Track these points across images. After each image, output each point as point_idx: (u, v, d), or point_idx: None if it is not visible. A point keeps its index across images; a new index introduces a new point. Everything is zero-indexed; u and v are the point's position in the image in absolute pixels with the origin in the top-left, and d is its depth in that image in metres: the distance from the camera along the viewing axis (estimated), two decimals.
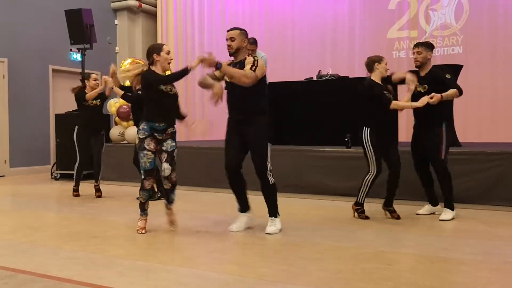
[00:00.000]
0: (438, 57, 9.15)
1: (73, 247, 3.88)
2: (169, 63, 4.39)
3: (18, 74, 9.63)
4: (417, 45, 4.94)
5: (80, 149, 6.60)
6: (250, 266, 3.37)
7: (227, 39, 4.28)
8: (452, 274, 3.24)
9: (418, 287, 2.91)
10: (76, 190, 6.72)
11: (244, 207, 4.50)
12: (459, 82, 6.90)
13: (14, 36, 9.58)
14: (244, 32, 4.30)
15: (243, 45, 4.25)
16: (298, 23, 10.49)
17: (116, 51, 11.96)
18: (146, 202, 4.39)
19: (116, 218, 5.16)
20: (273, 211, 4.38)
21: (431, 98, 4.61)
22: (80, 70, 8.96)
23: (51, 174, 9.03)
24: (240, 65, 4.21)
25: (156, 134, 4.29)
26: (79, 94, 6.62)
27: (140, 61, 4.47)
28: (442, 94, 4.64)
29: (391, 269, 3.27)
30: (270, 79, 7.62)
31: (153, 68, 4.34)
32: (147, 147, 4.26)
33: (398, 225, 4.68)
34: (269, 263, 3.47)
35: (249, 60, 4.17)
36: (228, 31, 4.32)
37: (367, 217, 4.95)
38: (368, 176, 4.88)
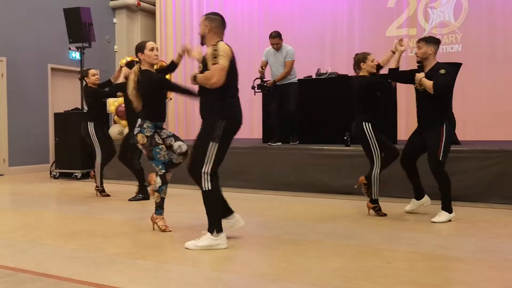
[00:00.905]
0: (437, 55, 9.14)
1: (73, 246, 3.88)
2: (155, 59, 4.43)
3: (16, 72, 9.62)
4: (418, 40, 4.94)
5: (101, 143, 6.52)
6: (250, 264, 3.38)
7: None
8: (452, 272, 3.25)
9: (417, 285, 2.91)
10: (103, 190, 6.60)
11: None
12: (458, 80, 6.96)
13: (12, 35, 9.56)
14: (209, 17, 3.84)
15: (205, 31, 3.79)
16: (297, 21, 10.48)
17: (115, 50, 11.95)
18: (164, 198, 4.38)
19: (115, 217, 5.16)
20: (209, 225, 3.75)
21: (420, 78, 4.75)
22: (79, 69, 8.96)
23: (50, 173, 9.03)
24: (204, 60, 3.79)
25: (158, 131, 4.45)
26: (95, 91, 6.47)
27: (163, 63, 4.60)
28: (423, 78, 4.72)
29: (390, 267, 3.27)
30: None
31: (142, 67, 4.43)
32: (159, 142, 4.35)
33: (397, 223, 4.68)
34: (269, 261, 3.48)
35: (209, 53, 3.68)
36: None
37: (385, 214, 4.97)
38: (374, 170, 4.92)
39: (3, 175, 9.36)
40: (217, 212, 3.77)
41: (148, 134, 4.32)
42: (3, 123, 9.44)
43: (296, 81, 7.34)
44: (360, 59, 5.04)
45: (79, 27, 8.66)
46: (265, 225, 4.71)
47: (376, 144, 4.90)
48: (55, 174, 8.85)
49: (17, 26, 9.63)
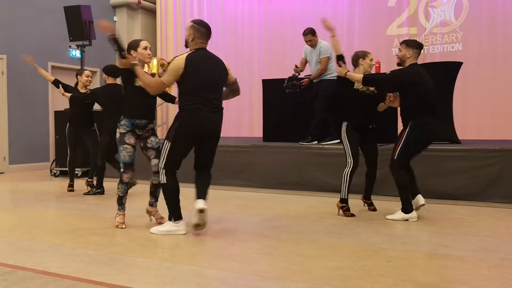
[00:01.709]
0: (438, 54, 9.17)
1: (73, 244, 3.88)
2: (147, 57, 4.38)
3: (17, 70, 9.61)
4: (400, 43, 4.92)
5: (70, 145, 6.89)
6: (250, 263, 3.38)
7: None
8: (452, 271, 3.25)
9: (418, 284, 2.92)
10: (71, 185, 6.87)
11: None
12: (458, 79, 6.97)
13: (13, 33, 9.56)
14: (194, 26, 4.04)
15: (189, 38, 4.04)
16: (297, 21, 10.47)
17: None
18: (124, 196, 4.48)
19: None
20: (169, 213, 4.18)
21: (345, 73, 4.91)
22: (79, 67, 8.96)
23: (51, 171, 9.03)
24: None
25: (137, 131, 4.37)
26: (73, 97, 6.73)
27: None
28: (348, 72, 4.86)
29: (391, 266, 3.27)
30: (269, 76, 7.60)
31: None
32: (127, 141, 4.33)
33: (397, 222, 4.68)
34: (269, 260, 3.48)
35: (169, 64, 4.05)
36: None
37: (352, 215, 4.93)
38: (346, 169, 4.95)
39: (3, 173, 9.36)
40: (174, 202, 4.14)
41: (122, 131, 4.32)
42: (3, 121, 9.44)
43: (332, 78, 6.83)
44: (360, 55, 5.06)
45: (79, 25, 8.66)
46: (265, 223, 4.71)
47: (348, 145, 4.94)
48: (55, 172, 8.85)
49: (17, 24, 9.63)
